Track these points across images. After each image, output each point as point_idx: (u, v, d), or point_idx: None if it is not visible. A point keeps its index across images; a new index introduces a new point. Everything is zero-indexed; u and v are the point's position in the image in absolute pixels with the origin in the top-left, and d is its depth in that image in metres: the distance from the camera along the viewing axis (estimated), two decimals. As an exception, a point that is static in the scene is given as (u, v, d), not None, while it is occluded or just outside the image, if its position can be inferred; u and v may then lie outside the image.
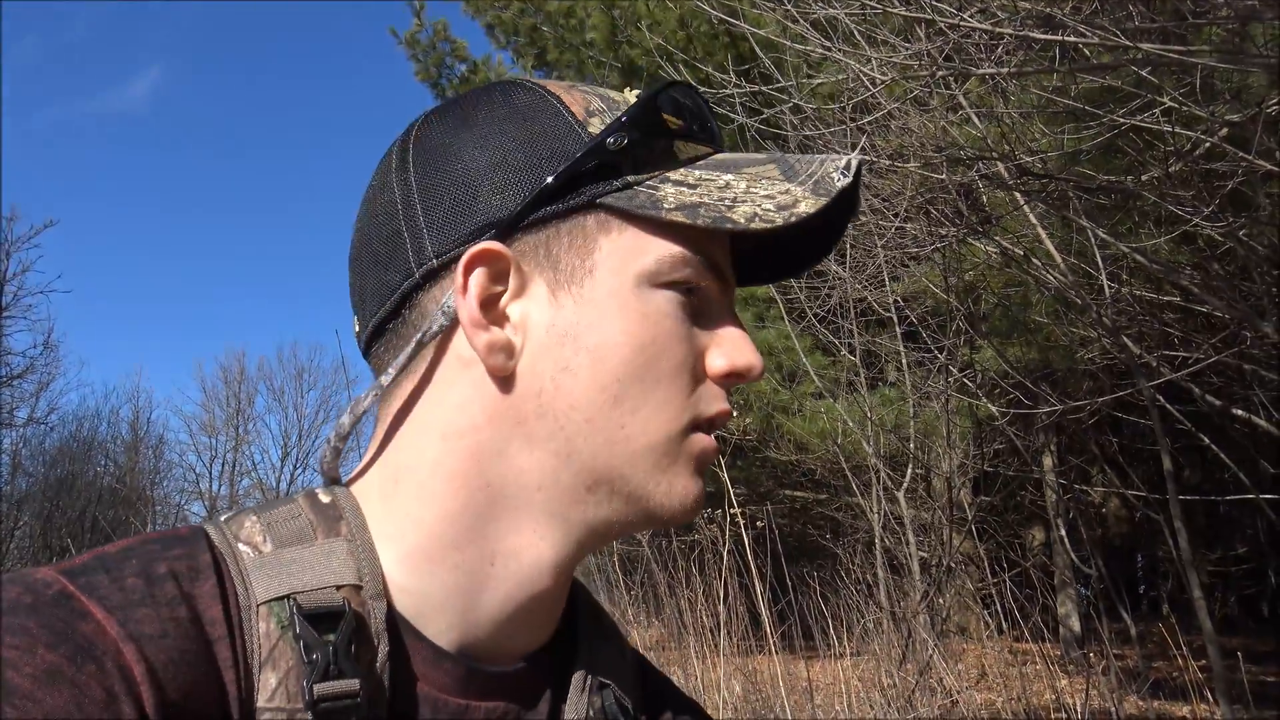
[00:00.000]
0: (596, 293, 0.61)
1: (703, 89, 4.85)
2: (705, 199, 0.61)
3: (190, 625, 0.53)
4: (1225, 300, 3.20)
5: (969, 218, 3.88)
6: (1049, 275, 3.79)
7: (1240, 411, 3.88)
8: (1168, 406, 3.98)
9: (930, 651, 5.29)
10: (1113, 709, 4.60)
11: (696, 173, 0.63)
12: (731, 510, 5.19)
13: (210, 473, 30.07)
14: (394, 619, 0.59)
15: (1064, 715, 4.65)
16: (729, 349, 0.63)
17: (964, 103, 3.50)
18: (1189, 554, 3.23)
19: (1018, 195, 3.49)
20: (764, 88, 4.37)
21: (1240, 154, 2.47)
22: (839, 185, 0.60)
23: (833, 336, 6.66)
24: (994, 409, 4.70)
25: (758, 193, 0.61)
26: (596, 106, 0.64)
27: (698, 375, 0.62)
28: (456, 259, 0.61)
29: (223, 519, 0.61)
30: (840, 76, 3.77)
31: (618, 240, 0.61)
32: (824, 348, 7.36)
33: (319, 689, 0.53)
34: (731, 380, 0.64)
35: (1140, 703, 5.01)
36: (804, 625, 5.65)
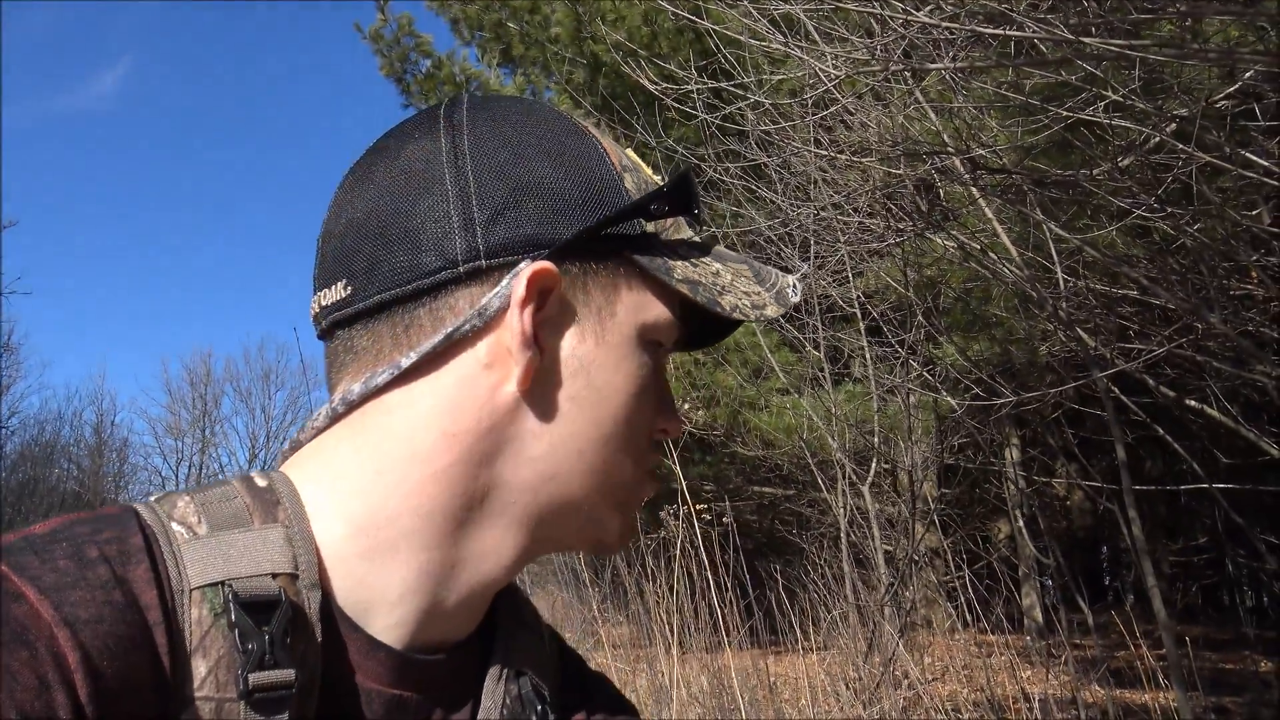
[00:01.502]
0: (614, 337, 0.65)
1: (666, 85, 4.87)
2: (702, 279, 0.68)
3: (127, 610, 0.51)
4: (1173, 293, 3.24)
5: (927, 213, 3.91)
6: (1006, 269, 3.83)
7: (1193, 402, 3.93)
8: (1123, 398, 4.03)
9: (895, 645, 5.33)
10: (1074, 696, 4.65)
11: (695, 254, 0.70)
12: (698, 507, 5.20)
13: (176, 476, 29.75)
14: (329, 609, 0.58)
15: (1026, 706, 4.70)
16: (667, 412, 0.70)
17: (920, 98, 3.52)
18: (1144, 544, 3.28)
19: (974, 190, 3.52)
20: (726, 84, 4.38)
21: (1182, 147, 2.51)
22: (792, 301, 0.71)
23: (798, 332, 6.69)
24: (954, 402, 4.74)
25: (739, 288, 0.69)
26: (626, 163, 0.68)
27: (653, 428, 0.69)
28: (508, 266, 0.61)
29: (153, 498, 0.59)
30: (800, 73, 3.79)
31: (634, 293, 0.66)
32: (790, 344, 7.39)
33: (254, 679, 0.52)
34: (661, 436, 0.71)
35: (1100, 691, 5.07)
36: (771, 620, 5.68)
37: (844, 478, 6.34)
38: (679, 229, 0.70)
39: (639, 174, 0.68)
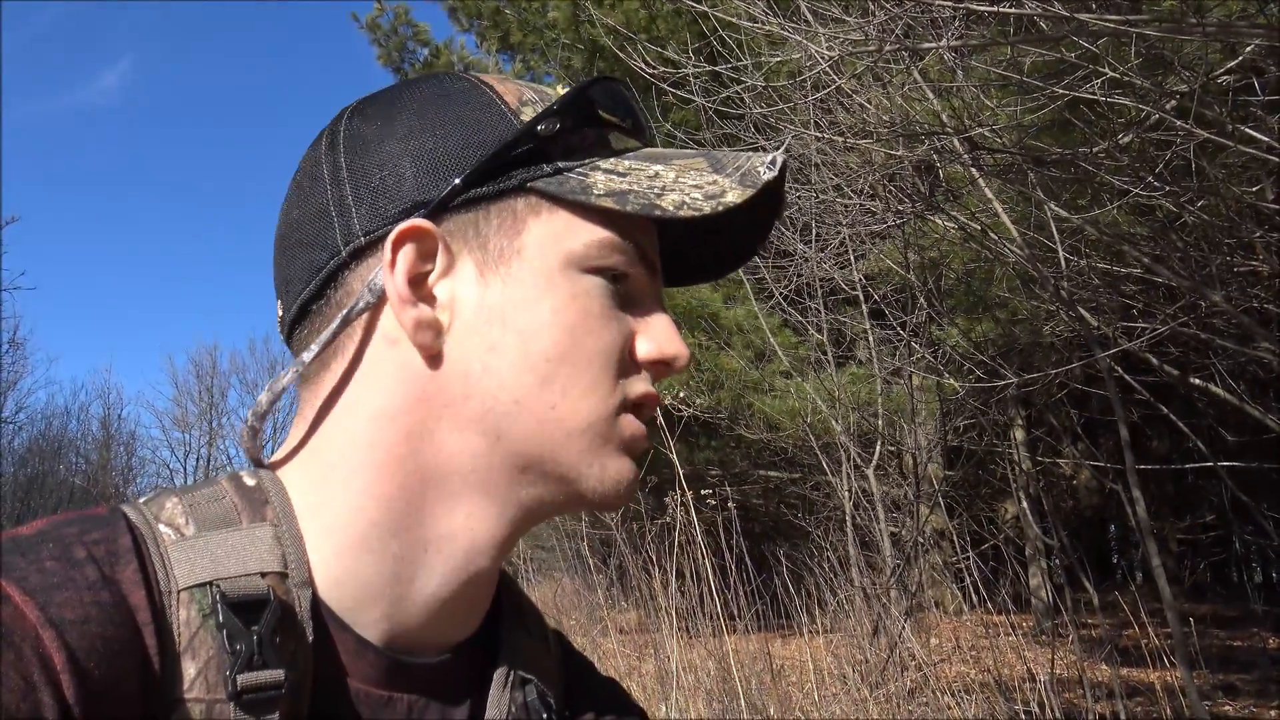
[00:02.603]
0: (524, 273, 0.61)
1: (665, 69, 4.84)
2: (635, 186, 0.62)
3: (115, 611, 0.51)
4: (1175, 271, 3.22)
5: (927, 194, 3.88)
6: (1008, 250, 3.80)
7: (1197, 380, 3.91)
8: (1126, 377, 4.01)
9: (901, 627, 5.33)
10: (1080, 676, 4.65)
11: (626, 162, 0.64)
12: (704, 491, 5.20)
13: (185, 468, 29.86)
14: (319, 608, 0.58)
15: (1032, 686, 4.69)
16: (658, 336, 0.64)
17: (919, 79, 3.49)
18: (1149, 523, 3.26)
19: (974, 171, 3.50)
20: (722, 68, 4.35)
21: (1181, 124, 2.48)
22: (765, 178, 0.62)
23: (800, 315, 6.67)
24: (957, 384, 4.72)
25: (686, 183, 0.63)
26: (529, 97, 0.65)
27: (626, 359, 0.63)
28: (384, 237, 0.61)
29: (141, 500, 0.59)
30: (796, 56, 3.76)
31: (547, 224, 0.62)
32: (792, 326, 7.38)
33: (243, 679, 0.52)
34: (658, 368, 0.65)
35: (1107, 670, 5.07)
36: (778, 604, 5.68)
37: (848, 461, 6.34)
38: (621, 141, 0.66)
39: (548, 102, 0.65)
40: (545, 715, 0.65)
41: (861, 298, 6.16)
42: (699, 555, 4.60)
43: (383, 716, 0.59)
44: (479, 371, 0.60)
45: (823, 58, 3.08)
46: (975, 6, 2.33)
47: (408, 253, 0.61)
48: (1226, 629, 8.32)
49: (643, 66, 4.65)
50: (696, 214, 0.60)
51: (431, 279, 0.61)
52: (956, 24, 3.06)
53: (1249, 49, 2.70)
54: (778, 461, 8.58)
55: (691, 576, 4.76)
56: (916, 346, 5.73)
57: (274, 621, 0.54)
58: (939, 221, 4.26)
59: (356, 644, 0.59)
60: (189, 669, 0.52)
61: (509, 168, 0.62)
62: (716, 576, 4.57)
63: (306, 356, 0.63)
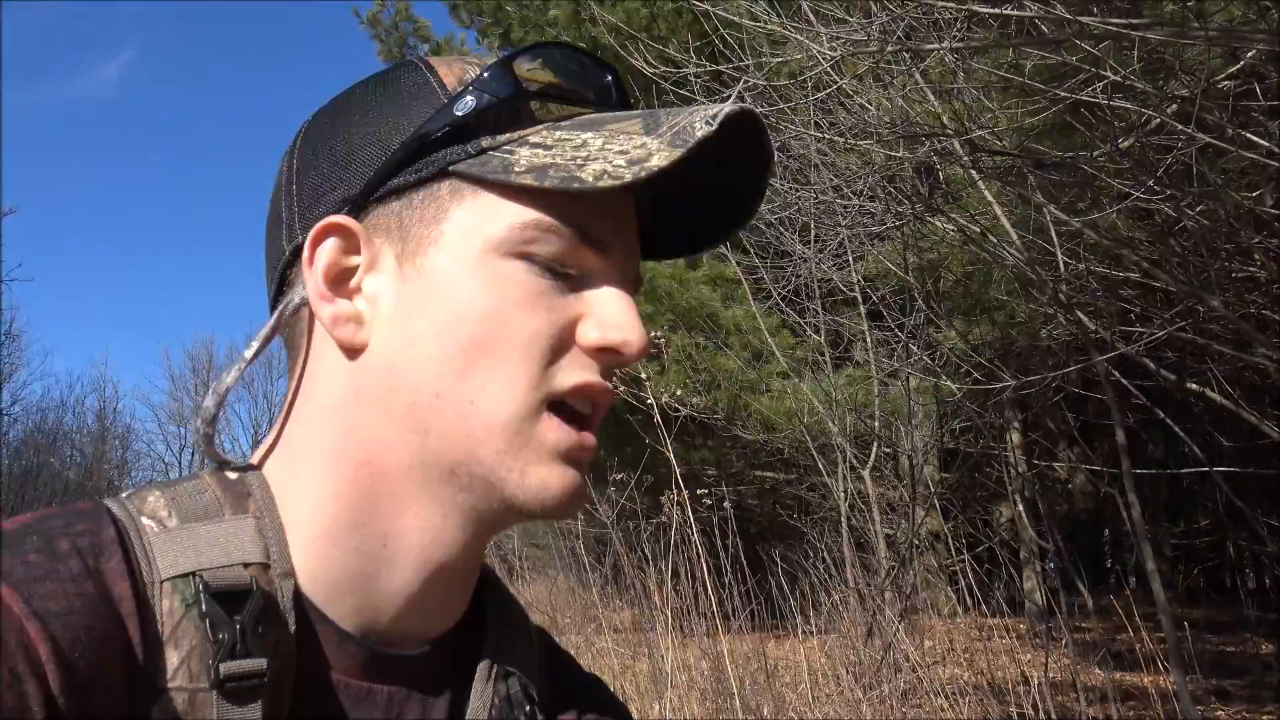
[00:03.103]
0: (442, 262, 0.59)
1: (666, 68, 4.84)
2: (557, 159, 0.58)
3: (99, 602, 0.51)
4: (1174, 275, 3.22)
5: (927, 196, 3.88)
6: (1007, 252, 3.80)
7: (1194, 386, 3.92)
8: (1123, 381, 4.01)
9: (895, 628, 5.33)
10: (1074, 679, 4.65)
11: (557, 133, 0.60)
12: (700, 491, 5.20)
13: (180, 462, 29.83)
14: (301, 599, 0.58)
15: (1026, 688, 4.70)
16: (605, 320, 0.60)
17: (920, 80, 3.49)
18: (1144, 527, 3.27)
19: (973, 173, 3.50)
20: (723, 67, 4.34)
21: (1182, 128, 2.48)
22: (698, 135, 0.56)
23: (798, 316, 6.67)
24: (954, 386, 4.72)
25: (612, 149, 0.58)
26: (472, 75, 0.62)
27: (559, 349, 0.59)
28: None
29: (125, 495, 0.60)
30: (797, 56, 3.75)
31: (470, 208, 0.59)
32: (790, 327, 7.38)
33: (225, 668, 0.52)
34: (606, 356, 0.60)
35: (1100, 673, 5.08)
36: (772, 604, 5.68)
37: (845, 462, 6.34)
38: (562, 110, 0.62)
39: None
40: (528, 708, 0.65)
41: (860, 299, 6.16)
42: (694, 555, 4.60)
43: (363, 709, 0.59)
44: (401, 365, 0.59)
45: (824, 58, 3.08)
46: (977, 9, 2.33)
47: (328, 249, 0.61)
48: (1220, 634, 8.33)
49: (644, 65, 4.65)
50: (617, 183, 0.56)
51: (359, 273, 0.61)
52: (958, 26, 3.06)
53: (1250, 54, 2.70)
54: (774, 462, 8.57)
55: (686, 576, 4.76)
56: (914, 348, 5.73)
57: (256, 611, 0.54)
58: (938, 224, 4.26)
59: (337, 635, 0.59)
60: (172, 658, 0.52)
61: (430, 152, 0.60)
62: (712, 576, 4.57)
63: (248, 353, 0.64)
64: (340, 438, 0.60)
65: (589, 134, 0.59)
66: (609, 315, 0.60)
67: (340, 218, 0.61)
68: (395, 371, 0.59)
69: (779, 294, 6.49)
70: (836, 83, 3.38)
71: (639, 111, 0.62)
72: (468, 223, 0.59)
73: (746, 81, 4.03)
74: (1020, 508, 6.45)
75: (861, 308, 6.12)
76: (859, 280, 5.85)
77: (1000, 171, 3.57)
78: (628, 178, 0.56)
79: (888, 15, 2.75)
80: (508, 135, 0.60)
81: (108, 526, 0.55)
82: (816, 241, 5.78)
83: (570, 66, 0.63)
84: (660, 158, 0.56)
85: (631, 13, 7.43)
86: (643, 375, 4.50)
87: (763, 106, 4.04)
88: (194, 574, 0.54)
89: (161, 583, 0.54)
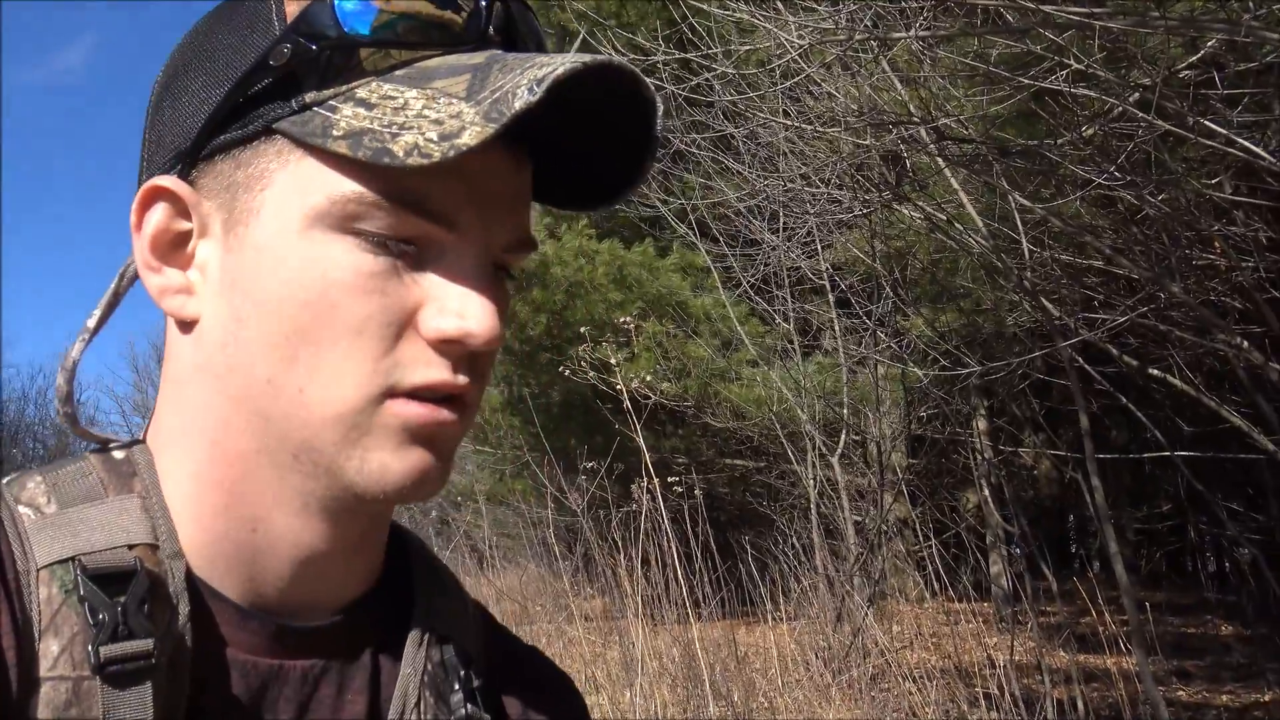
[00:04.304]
0: (261, 235, 0.53)
1: (635, 56, 4.82)
2: (375, 123, 0.50)
3: None
4: (1136, 262, 3.26)
5: (894, 184, 3.90)
6: (972, 240, 3.84)
7: (1155, 371, 3.97)
8: (1086, 367, 4.06)
9: (864, 614, 5.38)
10: (1038, 662, 4.72)
11: (385, 87, 0.52)
12: (670, 479, 5.21)
13: (146, 454, 29.34)
14: (194, 579, 0.55)
15: (992, 671, 4.76)
16: (448, 307, 0.53)
17: (887, 69, 3.51)
18: (1106, 511, 3.32)
19: (939, 160, 3.52)
20: (692, 55, 4.34)
21: (1143, 116, 2.51)
22: (516, 109, 0.48)
23: (767, 304, 6.69)
24: (920, 373, 4.76)
25: (428, 116, 0.50)
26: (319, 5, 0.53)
27: (397, 338, 0.53)
28: None
29: (4, 481, 0.56)
30: (766, 44, 3.76)
31: (294, 173, 0.53)
32: (759, 315, 7.40)
33: (106, 651, 0.49)
34: (447, 346, 0.53)
35: (1065, 656, 5.16)
36: (743, 591, 5.71)
37: (814, 449, 6.38)
38: (405, 54, 0.53)
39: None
40: (463, 672, 0.62)
41: (828, 287, 6.19)
42: (664, 542, 4.61)
43: (274, 688, 0.56)
44: (233, 345, 0.54)
45: (792, 46, 3.09)
46: (943, -4, 2.35)
47: (157, 213, 0.56)
48: (1181, 616, 8.49)
49: (612, 54, 4.63)
50: (425, 162, 0.48)
51: (193, 239, 0.56)
52: (925, 14, 3.07)
53: (1210, 43, 2.73)
54: (744, 450, 8.61)
55: (657, 563, 4.77)
56: (882, 336, 5.77)
57: (142, 592, 0.51)
58: (905, 211, 4.29)
59: (237, 614, 0.56)
60: (51, 647, 0.50)
61: (254, 106, 0.53)
62: (682, 564, 4.59)
63: (90, 323, 0.61)
64: (190, 415, 0.57)
65: (413, 92, 0.51)
66: (451, 301, 0.53)
67: (166, 179, 0.55)
68: (228, 350, 0.55)
69: (748, 282, 6.50)
70: (804, 71, 3.39)
71: (478, 60, 0.52)
72: (289, 190, 0.53)
73: (716, 69, 4.03)
74: (985, 493, 6.53)
75: (830, 296, 6.15)
76: (827, 268, 5.88)
77: (966, 159, 3.60)
78: (436, 156, 0.48)
79: (855, 3, 2.76)
80: (334, 89, 0.52)
81: None
82: (785, 230, 5.80)
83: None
84: (471, 135, 0.48)
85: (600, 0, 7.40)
86: (612, 361, 4.50)
87: (732, 94, 4.04)
88: (73, 559, 0.51)
89: (38, 570, 0.51)
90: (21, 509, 0.54)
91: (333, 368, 0.52)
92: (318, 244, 0.52)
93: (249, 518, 0.56)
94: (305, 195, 0.52)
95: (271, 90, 0.53)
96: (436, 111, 0.50)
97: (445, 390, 0.54)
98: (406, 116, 0.50)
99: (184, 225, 0.56)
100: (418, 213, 0.52)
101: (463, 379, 0.54)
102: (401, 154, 0.49)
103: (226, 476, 0.56)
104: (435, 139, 0.49)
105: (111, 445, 0.60)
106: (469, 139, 0.48)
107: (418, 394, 0.53)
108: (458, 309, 0.53)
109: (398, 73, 0.52)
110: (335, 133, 0.51)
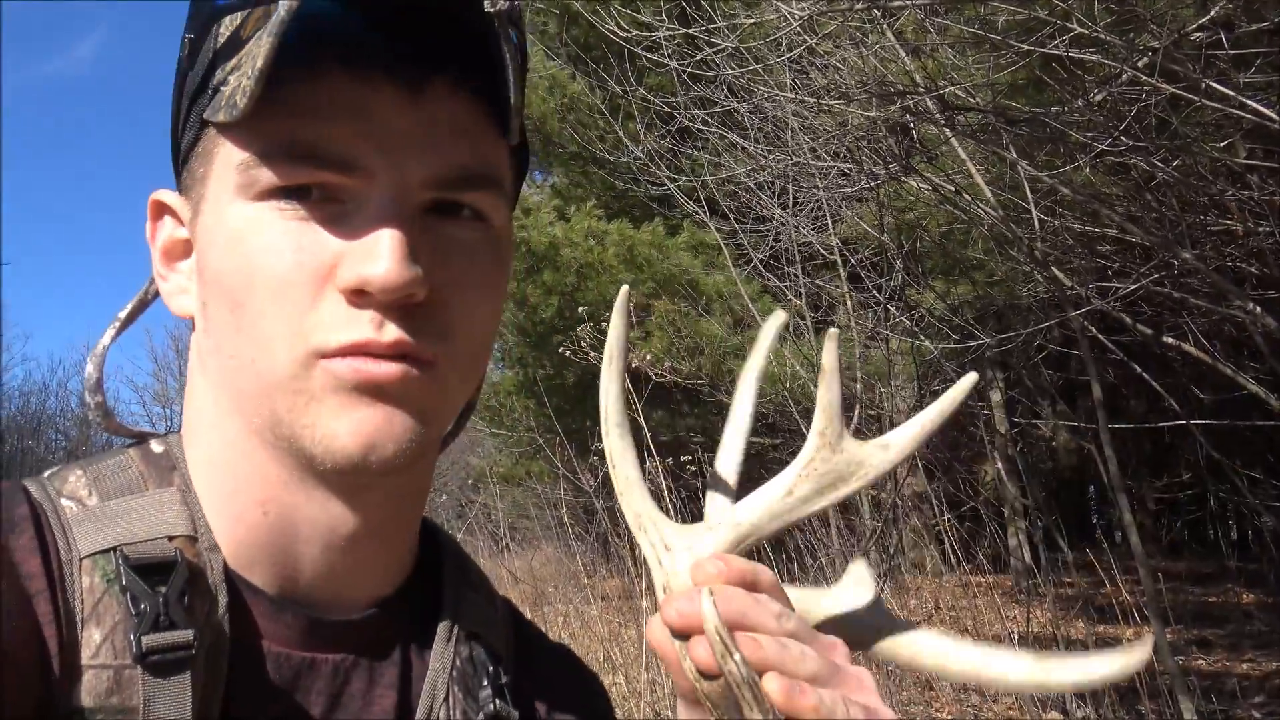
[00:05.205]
0: (206, 220, 0.56)
1: (636, 33, 4.78)
2: (242, 81, 0.50)
3: (4, 578, 0.49)
4: (1147, 229, 3.22)
5: (901, 156, 3.86)
6: (982, 211, 3.80)
7: (1171, 339, 3.93)
8: (1100, 337, 4.02)
9: (881, 588, 5.38)
10: (1055, 634, 4.71)
11: (247, 45, 0.52)
12: (684, 458, 5.20)
13: (167, 443, 29.56)
14: (230, 571, 0.56)
15: (1010, 644, 4.75)
16: (354, 257, 0.51)
17: (892, 38, 3.46)
18: (1120, 479, 3.29)
19: (946, 131, 3.48)
20: (695, 30, 4.29)
21: (1148, 80, 2.46)
22: (280, 13, 0.48)
23: (778, 281, 6.66)
24: (932, 346, 4.73)
25: (254, 53, 0.50)
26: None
27: (316, 294, 0.52)
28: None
29: (46, 475, 0.58)
30: (770, 17, 3.71)
31: (220, 155, 0.55)
32: (771, 292, 7.37)
33: (147, 641, 0.50)
34: (361, 299, 0.52)
35: (1082, 627, 5.14)
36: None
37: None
38: (264, 12, 0.52)
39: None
40: (491, 668, 0.62)
41: (839, 262, 6.14)
42: (679, 522, 4.59)
43: (304, 681, 0.57)
44: (207, 330, 0.57)
45: (794, 17, 3.05)
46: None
47: (165, 225, 0.60)
48: (1202, 585, 8.44)
49: (615, 31, 4.60)
50: (250, 101, 0.48)
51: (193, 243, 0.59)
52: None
53: (1220, 4, 2.68)
54: (758, 427, 8.59)
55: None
56: (893, 310, 5.73)
57: (182, 583, 0.52)
58: (914, 183, 4.24)
59: (271, 607, 0.57)
60: (94, 635, 0.51)
61: (194, 101, 0.56)
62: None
63: (122, 314, 0.63)
64: (198, 406, 0.59)
65: (254, 38, 0.52)
66: (357, 248, 0.51)
67: (164, 192, 0.60)
68: (210, 335, 0.57)
69: (759, 259, 6.47)
70: (807, 43, 3.35)
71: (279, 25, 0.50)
72: (219, 172, 0.54)
73: (719, 44, 3.99)
74: (1000, 466, 6.50)
75: (841, 271, 6.11)
76: (837, 243, 5.84)
77: (974, 129, 3.55)
78: (256, 91, 0.48)
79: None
80: (225, 65, 0.53)
81: (21, 504, 0.53)
82: (795, 204, 5.76)
83: None
84: (264, 58, 0.48)
85: (604, -23, 7.34)
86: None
87: (734, 68, 4.00)
88: (115, 549, 0.52)
89: (80, 560, 0.52)
90: (64, 501, 0.55)
91: (265, 333, 0.53)
92: (237, 214, 0.53)
93: (259, 500, 0.57)
94: (225, 173, 0.54)
95: (201, 84, 0.55)
96: (253, 46, 0.51)
97: (371, 350, 0.52)
98: (250, 64, 0.50)
99: (183, 233, 0.59)
100: (311, 163, 0.52)
101: (393, 335, 0.52)
102: (241, 103, 0.49)
103: (229, 460, 0.57)
104: (250, 74, 0.49)
105: (150, 438, 0.61)
106: (262, 63, 0.48)
107: (343, 356, 0.52)
108: (361, 256, 0.51)
109: (263, 29, 0.51)
110: (218, 105, 0.52)
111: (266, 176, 0.52)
